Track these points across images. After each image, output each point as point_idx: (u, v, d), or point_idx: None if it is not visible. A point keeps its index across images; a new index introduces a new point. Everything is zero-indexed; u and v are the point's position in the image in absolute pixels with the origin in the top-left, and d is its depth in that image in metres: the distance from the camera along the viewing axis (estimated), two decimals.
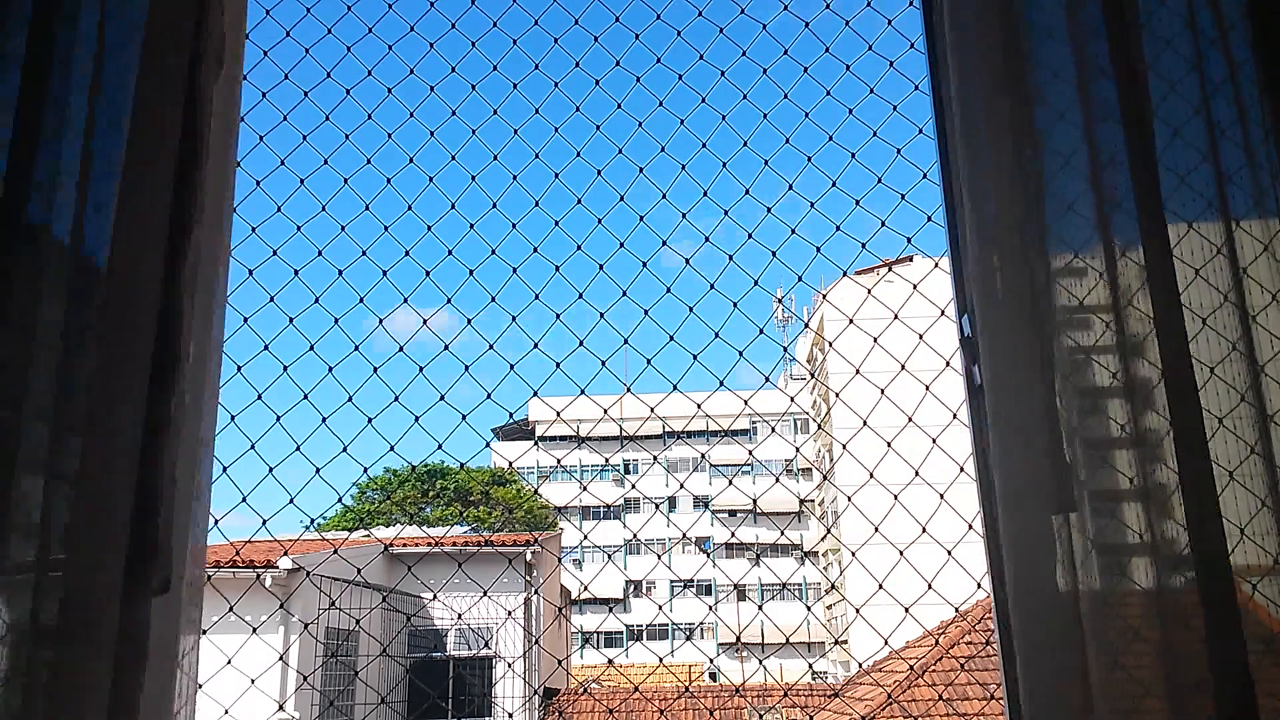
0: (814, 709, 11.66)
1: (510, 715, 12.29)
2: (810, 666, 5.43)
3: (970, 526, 1.58)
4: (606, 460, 44.91)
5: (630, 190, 2.57)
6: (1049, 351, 1.21)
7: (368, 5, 2.37)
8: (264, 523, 2.66)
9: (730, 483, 32.65)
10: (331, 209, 2.49)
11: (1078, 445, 1.18)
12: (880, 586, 2.78)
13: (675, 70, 2.54)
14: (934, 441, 2.33)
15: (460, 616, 12.47)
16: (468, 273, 2.64)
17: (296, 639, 9.66)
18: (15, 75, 1.04)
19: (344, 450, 2.59)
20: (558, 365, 2.84)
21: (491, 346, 2.63)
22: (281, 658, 8.84)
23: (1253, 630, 1.09)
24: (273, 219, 2.31)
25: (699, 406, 3.04)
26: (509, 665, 12.59)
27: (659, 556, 38.60)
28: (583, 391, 3.02)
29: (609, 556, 39.32)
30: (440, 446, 2.76)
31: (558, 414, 30.67)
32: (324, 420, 2.61)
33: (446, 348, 2.74)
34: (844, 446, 2.98)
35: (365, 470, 3.09)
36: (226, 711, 2.94)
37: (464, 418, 2.84)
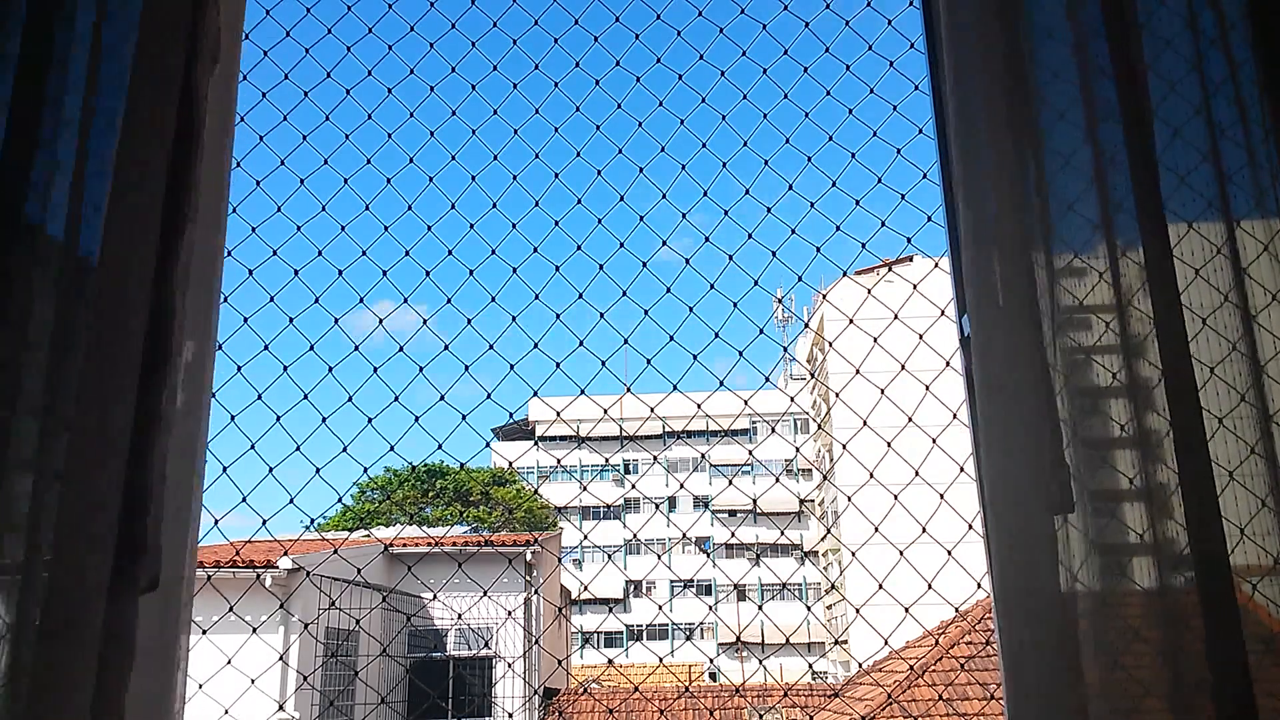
0: (814, 709, 11.66)
1: (510, 715, 12.28)
2: (810, 666, 5.44)
3: (970, 526, 1.58)
4: (606, 460, 44.89)
5: (630, 190, 2.57)
6: (1049, 351, 1.21)
7: (368, 5, 2.37)
8: (264, 523, 2.66)
9: (730, 483, 32.63)
10: (331, 209, 2.49)
11: (1078, 445, 1.18)
12: (880, 586, 2.78)
13: (675, 70, 2.54)
14: (934, 441, 2.33)
15: (460, 616, 12.47)
16: (468, 273, 2.65)
17: (296, 639, 9.66)
18: (12, 75, 1.04)
19: (344, 450, 2.60)
20: (558, 365, 2.84)
21: (491, 346, 2.63)
22: (281, 658, 8.84)
23: (1252, 630, 1.09)
24: (273, 219, 2.31)
25: (699, 406, 3.04)
26: (509, 665, 12.59)
27: (659, 556, 38.58)
28: (583, 391, 3.02)
29: (609, 556, 39.29)
30: (440, 446, 2.76)
31: (558, 414, 30.65)
32: (324, 420, 2.61)
33: (447, 347, 2.74)
34: (844, 446, 2.98)
35: (365, 470, 3.10)
36: (226, 711, 2.94)
37: (464, 418, 2.84)
